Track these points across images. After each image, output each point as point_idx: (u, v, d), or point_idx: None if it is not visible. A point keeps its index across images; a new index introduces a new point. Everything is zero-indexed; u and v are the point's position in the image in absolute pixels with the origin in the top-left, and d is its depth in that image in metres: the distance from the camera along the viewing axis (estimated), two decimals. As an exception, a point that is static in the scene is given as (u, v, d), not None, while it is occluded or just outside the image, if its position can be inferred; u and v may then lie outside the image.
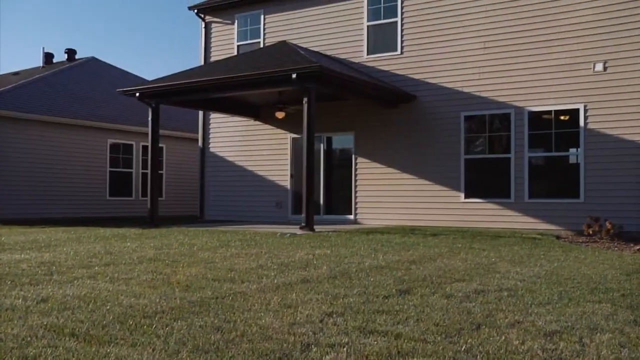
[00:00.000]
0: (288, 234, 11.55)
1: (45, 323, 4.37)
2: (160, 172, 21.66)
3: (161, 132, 16.80)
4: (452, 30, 14.58)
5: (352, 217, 15.67)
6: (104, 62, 26.22)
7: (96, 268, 7.06)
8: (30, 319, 4.49)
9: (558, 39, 13.41)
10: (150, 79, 20.67)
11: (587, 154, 13.03)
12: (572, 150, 13.38)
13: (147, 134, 15.69)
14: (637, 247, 10.19)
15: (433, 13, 14.84)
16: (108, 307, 4.90)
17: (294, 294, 5.49)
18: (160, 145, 17.21)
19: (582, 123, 13.08)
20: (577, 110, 13.15)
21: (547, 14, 13.54)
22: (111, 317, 4.57)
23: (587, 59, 13.11)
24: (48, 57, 26.35)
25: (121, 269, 7.01)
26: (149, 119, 15.12)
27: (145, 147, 20.64)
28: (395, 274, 6.68)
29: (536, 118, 13.61)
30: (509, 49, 13.91)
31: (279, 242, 10.23)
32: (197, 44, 18.93)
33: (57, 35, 58.57)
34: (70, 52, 26.13)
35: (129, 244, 9.96)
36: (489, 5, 14.17)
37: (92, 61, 25.75)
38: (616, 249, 10.31)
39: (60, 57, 26.66)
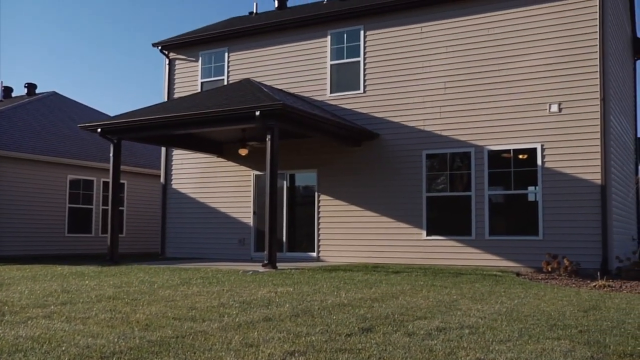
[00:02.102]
0: (250, 272, 11.45)
1: (-4, 365, 4.22)
2: (121, 208, 21.36)
3: (123, 168, 16.62)
4: (414, 70, 14.90)
5: (315, 254, 15.64)
6: (66, 97, 25.92)
7: (52, 307, 6.87)
8: (-20, 361, 4.33)
9: (515, 80, 13.82)
10: (113, 114, 20.54)
11: (545, 192, 13.33)
12: (531, 188, 13.67)
13: (108, 169, 15.49)
14: (594, 284, 10.39)
15: (395, 53, 15.17)
16: (63, 348, 4.76)
17: (255, 333, 5.43)
18: (121, 181, 17.02)
19: (539, 162, 13.42)
20: (535, 149, 13.50)
21: (504, 56, 13.97)
22: (66, 359, 4.44)
23: (543, 100, 13.53)
24: (7, 91, 25.96)
25: (78, 307, 6.84)
26: (111, 154, 14.95)
27: (106, 183, 20.34)
28: (358, 312, 6.66)
29: (496, 157, 13.91)
30: (469, 90, 14.26)
31: (241, 279, 10.12)
32: (160, 80, 18.90)
33: (17, 70, 57.82)
34: (30, 87, 25.77)
35: (87, 282, 9.73)
36: (449, 47, 14.56)
37: (53, 96, 25.44)
38: (574, 285, 10.49)
39: (19, 91, 26.30)
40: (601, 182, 12.80)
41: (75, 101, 26.06)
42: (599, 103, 12.97)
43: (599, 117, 12.94)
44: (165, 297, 7.74)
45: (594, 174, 12.91)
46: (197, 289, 8.73)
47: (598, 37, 13.08)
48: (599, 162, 12.87)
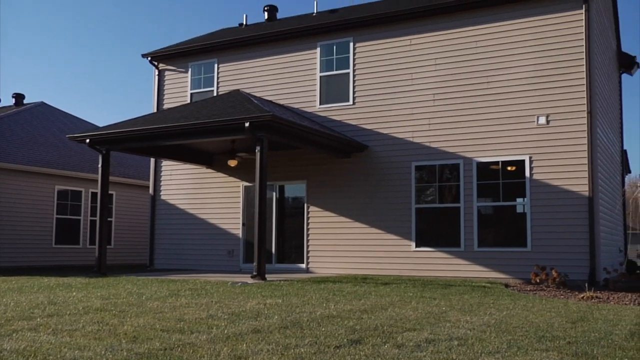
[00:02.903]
0: (239, 283, 11.41)
1: (-19, 378, 4.17)
2: (109, 219, 21.24)
3: (111, 178, 16.54)
4: (403, 82, 14.98)
5: (304, 266, 15.61)
6: (54, 108, 25.80)
7: (38, 319, 6.81)
8: (-35, 374, 4.28)
9: (503, 92, 13.92)
10: (102, 125, 20.46)
11: (533, 203, 13.40)
12: (519, 200, 13.74)
13: (96, 180, 15.44)
14: (582, 295, 10.43)
15: (384, 65, 15.25)
16: (50, 361, 4.71)
17: (244, 345, 5.40)
18: (110, 192, 16.94)
19: (527, 174, 13.50)
20: (523, 161, 13.58)
21: (493, 68, 14.08)
22: (53, 371, 4.39)
23: (531, 112, 13.63)
24: (-5, 101, 25.78)
25: (65, 320, 6.78)
26: (99, 165, 14.88)
27: (94, 194, 20.25)
28: (347, 324, 6.65)
29: (484, 169, 13.98)
30: (458, 102, 14.35)
31: (230, 291, 10.08)
32: (150, 91, 18.89)
33: (5, 81, 57.64)
34: (18, 97, 25.64)
35: (74, 293, 9.65)
36: (438, 59, 14.66)
37: (42, 106, 25.32)
38: (562, 297, 10.53)
39: (7, 101, 26.16)
40: (589, 194, 12.89)
41: (63, 111, 25.96)
42: (586, 116, 13.09)
43: (586, 129, 13.05)
44: (153, 309, 7.69)
45: (581, 186, 13.00)
46: (186, 300, 8.69)
47: (584, 50, 13.23)
48: (586, 174, 12.96)
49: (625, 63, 18.92)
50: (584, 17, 13.27)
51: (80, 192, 21.05)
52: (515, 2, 14.00)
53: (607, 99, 15.67)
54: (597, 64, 13.89)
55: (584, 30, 13.26)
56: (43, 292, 9.90)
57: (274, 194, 16.30)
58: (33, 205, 19.59)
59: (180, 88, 18.04)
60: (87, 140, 14.64)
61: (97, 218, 14.83)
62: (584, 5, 13.28)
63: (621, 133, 19.31)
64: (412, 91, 14.85)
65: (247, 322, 6.69)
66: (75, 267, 19.28)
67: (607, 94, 15.70)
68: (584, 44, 13.24)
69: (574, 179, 13.08)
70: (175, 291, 9.96)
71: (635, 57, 18.62)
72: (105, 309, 7.72)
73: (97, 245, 14.69)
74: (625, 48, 18.63)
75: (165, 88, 18.32)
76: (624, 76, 19.63)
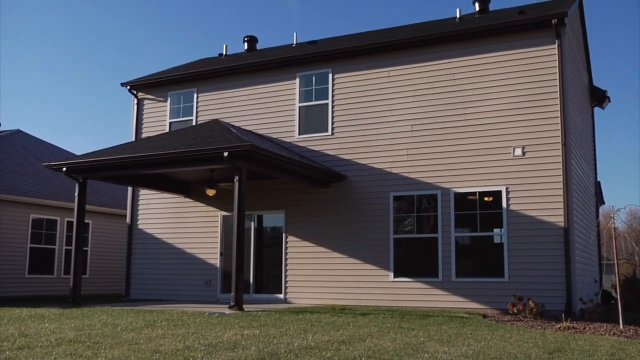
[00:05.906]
0: (216, 314, 11.29)
1: (-51, 413, 4.06)
2: (85, 248, 20.93)
3: (88, 207, 16.36)
4: (381, 113, 15.14)
5: (282, 296, 15.50)
6: (30, 135, 25.56)
7: (7, 353, 6.65)
8: None
9: (480, 124, 14.13)
10: (79, 153, 20.31)
11: (510, 234, 13.52)
12: (496, 230, 13.85)
13: (72, 209, 15.24)
14: (559, 326, 10.49)
15: (363, 96, 15.41)
16: (21, 394, 4.60)
17: (220, 377, 5.33)
18: (86, 221, 16.72)
19: (504, 204, 13.64)
20: (500, 192, 13.73)
21: (470, 100, 14.31)
22: (24, 405, 4.29)
23: (507, 144, 13.84)
24: (-31, 128, 25.50)
25: (37, 352, 6.63)
26: (76, 194, 14.72)
27: (70, 223, 19.99)
28: (325, 355, 6.61)
29: (462, 199, 14.10)
30: (435, 133, 14.52)
31: (207, 322, 9.97)
32: (129, 120, 18.83)
33: (-18, 107, 57.08)
34: (-6, 125, 25.41)
35: (47, 324, 9.46)
36: (415, 91, 14.87)
37: (18, 134, 25.08)
38: (539, 327, 10.57)
39: (-18, 129, 25.83)
40: (564, 225, 13.05)
41: (40, 139, 25.71)
42: (560, 148, 13.32)
43: (561, 161, 13.27)
44: (128, 340, 7.57)
45: (557, 217, 13.16)
46: (162, 331, 8.56)
47: (558, 84, 13.52)
48: (561, 205, 13.14)
49: (597, 97, 19.34)
50: (557, 52, 13.60)
51: (56, 220, 20.76)
52: (491, 37, 14.32)
53: (580, 131, 15.97)
54: (571, 97, 14.19)
55: (557, 65, 13.57)
56: (14, 324, 9.69)
57: (253, 223, 16.25)
58: (6, 234, 19.25)
59: (159, 117, 18.02)
60: (64, 169, 14.50)
61: (73, 247, 14.62)
62: (556, 41, 13.61)
63: (595, 165, 19.65)
64: (390, 122, 15.00)
65: (223, 353, 6.61)
66: (48, 297, 18.90)
67: (580, 127, 16.01)
68: (558, 78, 13.54)
69: (550, 209, 13.24)
70: (151, 322, 9.82)
71: (606, 91, 19.06)
72: (78, 340, 7.58)
73: (71, 275, 14.46)
74: (596, 82, 19.12)
75: (144, 117, 18.29)
76: (596, 109, 20.06)
